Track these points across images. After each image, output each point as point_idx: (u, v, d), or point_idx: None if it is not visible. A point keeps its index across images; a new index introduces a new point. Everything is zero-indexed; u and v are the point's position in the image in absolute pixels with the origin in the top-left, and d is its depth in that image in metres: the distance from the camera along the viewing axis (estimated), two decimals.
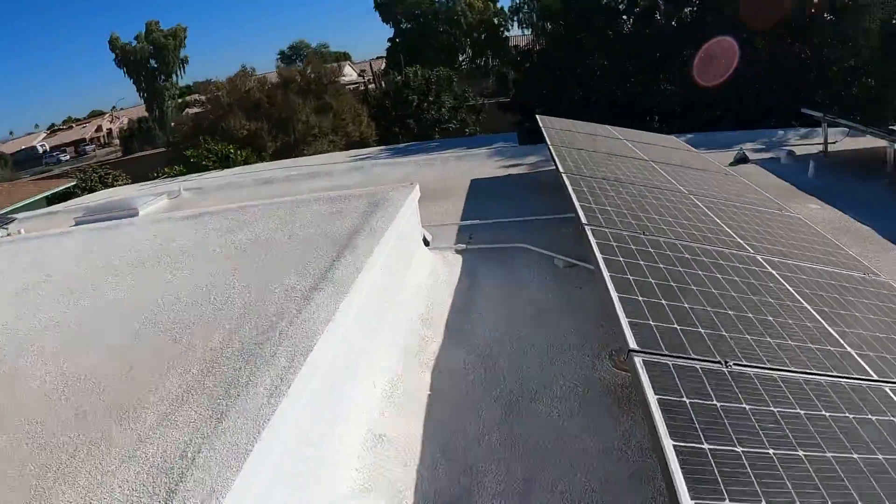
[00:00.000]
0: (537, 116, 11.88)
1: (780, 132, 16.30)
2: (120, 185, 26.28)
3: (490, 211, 9.77)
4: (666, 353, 3.40)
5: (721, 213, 7.10)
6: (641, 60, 24.62)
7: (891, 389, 3.59)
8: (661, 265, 4.81)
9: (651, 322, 3.73)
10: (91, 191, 32.08)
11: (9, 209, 26.29)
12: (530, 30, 33.39)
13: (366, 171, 14.77)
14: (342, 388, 4.23)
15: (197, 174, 21.83)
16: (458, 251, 8.12)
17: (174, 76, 75.80)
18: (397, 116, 32.54)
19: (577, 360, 5.27)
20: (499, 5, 55.04)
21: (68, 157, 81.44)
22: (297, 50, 78.88)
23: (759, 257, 5.69)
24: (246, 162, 23.69)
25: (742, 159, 12.84)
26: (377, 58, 66.21)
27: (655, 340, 3.51)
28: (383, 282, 5.62)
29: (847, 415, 3.22)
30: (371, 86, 45.93)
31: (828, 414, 3.19)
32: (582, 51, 25.00)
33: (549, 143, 9.53)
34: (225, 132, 26.63)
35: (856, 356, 3.96)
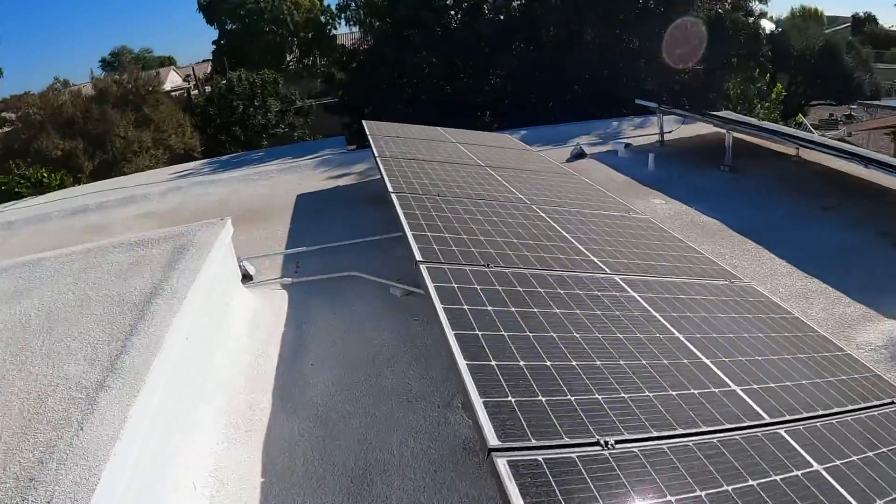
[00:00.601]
0: (364, 123, 11.12)
1: (615, 123, 16.23)
2: None
3: (318, 232, 9.01)
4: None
5: (567, 224, 6.51)
6: (470, 55, 24.12)
7: None
8: (512, 308, 4.13)
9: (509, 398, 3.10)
10: None
11: None
12: (358, 27, 31.88)
13: (184, 192, 13.50)
14: None
15: (10, 203, 19.83)
16: (284, 285, 7.22)
17: None
18: (222, 124, 30.94)
19: (425, 414, 4.68)
20: (326, 3, 53.69)
21: None
22: (118, 56, 74.67)
23: (616, 278, 5.15)
24: (61, 186, 21.68)
25: (579, 154, 12.53)
26: (202, 61, 63.36)
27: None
28: (192, 355, 4.70)
29: None
30: (195, 92, 43.78)
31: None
32: (410, 48, 24.14)
33: (376, 154, 8.82)
34: (38, 154, 24.42)
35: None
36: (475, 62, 24.38)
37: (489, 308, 4.05)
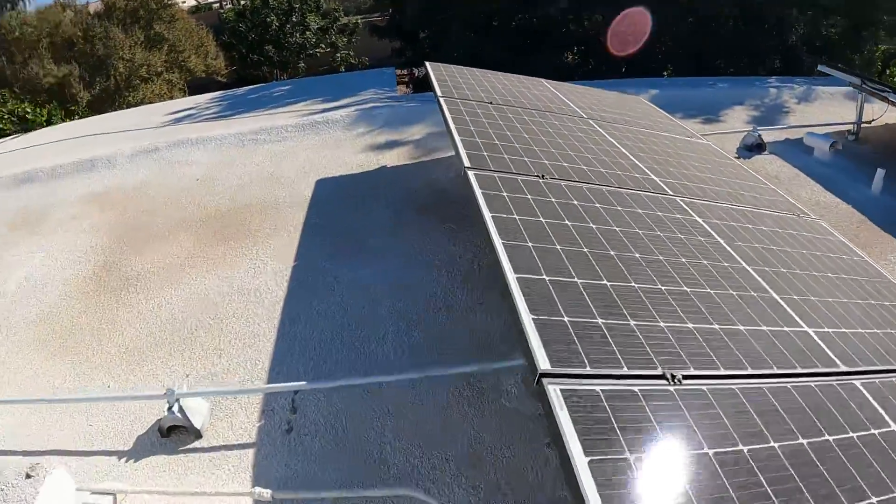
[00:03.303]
0: (428, 67, 7.11)
1: (772, 89, 11.16)
2: None
3: (341, 308, 5.38)
4: None
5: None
6: None
7: None
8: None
9: None
10: None
11: None
12: None
13: (159, 158, 9.33)
14: None
15: None
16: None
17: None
18: (254, 42, 26.50)
19: None
20: None
21: None
22: None
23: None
24: (49, 122, 17.88)
25: (755, 146, 7.97)
26: None
27: None
28: None
29: None
30: (228, 5, 38.91)
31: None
32: None
33: (450, 126, 5.36)
34: (27, 82, 20.41)
35: None
36: None
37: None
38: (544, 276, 3.09)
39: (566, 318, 2.78)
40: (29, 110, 17.77)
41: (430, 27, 19.10)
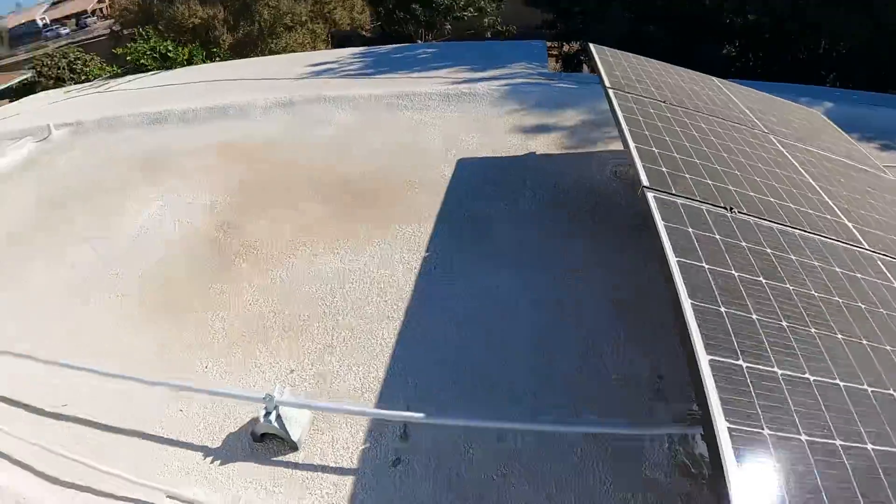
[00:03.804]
0: (592, 50, 6.20)
1: None
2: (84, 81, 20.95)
3: (472, 310, 4.63)
4: None
5: None
6: None
7: None
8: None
9: None
10: (59, 80, 26.68)
11: None
12: None
13: (296, 113, 8.88)
14: None
15: (125, 78, 16.11)
16: None
17: None
18: (400, 0, 25.98)
19: None
20: None
21: (68, 30, 76.57)
22: None
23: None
24: (189, 62, 17.90)
25: None
26: None
27: None
28: None
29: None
30: None
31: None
32: None
33: (624, 129, 4.44)
34: (171, 21, 20.44)
35: None
36: None
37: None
38: (742, 364, 2.48)
39: (766, 432, 2.24)
40: (171, 48, 17.76)
41: (587, 2, 18.10)
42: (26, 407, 4.41)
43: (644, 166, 3.81)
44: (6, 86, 27.02)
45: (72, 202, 7.83)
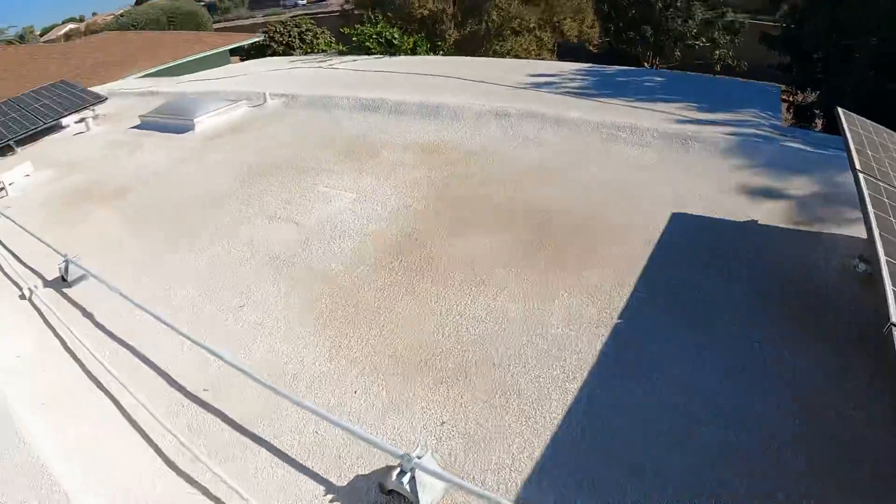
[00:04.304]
0: (840, 116, 5.44)
1: None
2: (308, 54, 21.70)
3: (661, 403, 3.84)
4: None
5: None
6: None
7: None
8: None
9: None
10: (289, 47, 27.94)
11: (180, 61, 24.79)
12: None
13: (506, 125, 8.56)
14: None
15: (349, 57, 17.21)
16: None
17: None
18: (633, 19, 25.22)
19: None
20: None
21: (304, 2, 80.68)
22: None
23: None
24: (413, 52, 18.00)
25: None
26: None
27: None
28: None
29: None
30: None
31: None
32: None
33: (875, 238, 3.66)
34: (400, 9, 20.63)
35: None
36: None
37: None
38: None
39: None
40: (396, 35, 17.89)
41: (829, 51, 16.78)
42: (169, 380, 4.46)
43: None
44: (239, 44, 28.25)
45: (269, 174, 7.92)
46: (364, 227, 6.28)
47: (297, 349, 4.64)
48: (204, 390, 4.30)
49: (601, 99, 9.67)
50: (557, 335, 4.39)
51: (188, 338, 4.44)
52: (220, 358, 4.17)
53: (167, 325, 4.59)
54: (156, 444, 3.85)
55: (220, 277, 5.80)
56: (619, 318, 4.48)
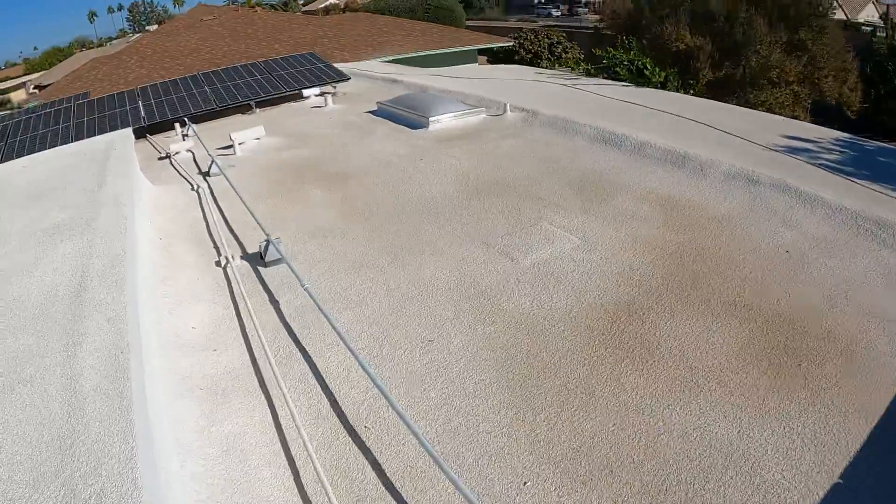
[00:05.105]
0: None
1: None
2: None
3: None
4: None
5: None
6: None
7: None
8: None
9: None
10: (536, 57, 28.00)
11: (426, 53, 25.43)
12: None
13: (756, 192, 7.56)
14: None
15: (594, 80, 16.39)
16: None
17: None
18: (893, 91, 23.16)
19: None
20: None
21: (559, 13, 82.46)
22: None
23: None
24: (663, 86, 17.16)
25: None
26: None
27: None
28: None
29: None
30: (880, 32, 34.26)
31: None
32: None
33: None
34: (655, 40, 19.80)
35: None
36: None
37: None
38: None
39: None
40: (649, 66, 17.11)
41: None
42: (332, 401, 4.30)
43: None
44: (489, 46, 28.46)
45: (494, 193, 7.83)
46: (582, 282, 5.75)
47: (474, 405, 4.26)
48: (365, 427, 4.04)
49: (861, 182, 8.35)
50: (767, 479, 3.61)
51: (366, 371, 4.19)
52: (387, 398, 3.91)
53: (350, 350, 4.40)
54: (295, 469, 3.69)
55: (416, 300, 5.57)
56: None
